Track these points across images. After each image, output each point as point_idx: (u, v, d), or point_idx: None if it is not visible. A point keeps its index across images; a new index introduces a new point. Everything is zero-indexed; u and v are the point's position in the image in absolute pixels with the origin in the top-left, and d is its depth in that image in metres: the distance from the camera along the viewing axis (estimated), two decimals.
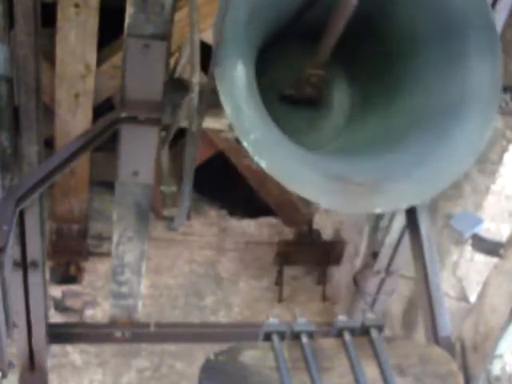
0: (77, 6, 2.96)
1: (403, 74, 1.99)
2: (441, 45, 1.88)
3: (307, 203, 4.04)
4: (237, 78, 1.63)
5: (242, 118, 1.61)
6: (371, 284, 2.84)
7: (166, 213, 2.19)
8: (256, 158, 1.60)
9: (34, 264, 2.22)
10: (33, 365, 2.49)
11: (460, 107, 1.86)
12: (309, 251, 3.92)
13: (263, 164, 1.60)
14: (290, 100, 2.06)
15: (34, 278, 2.25)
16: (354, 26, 1.77)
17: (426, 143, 1.87)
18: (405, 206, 1.88)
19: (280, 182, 1.63)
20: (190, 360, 3.34)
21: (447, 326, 2.20)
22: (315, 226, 4.10)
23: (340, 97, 2.15)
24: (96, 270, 3.78)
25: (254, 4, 1.68)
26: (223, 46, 1.62)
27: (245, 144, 1.60)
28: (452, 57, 1.86)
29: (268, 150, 1.63)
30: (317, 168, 1.75)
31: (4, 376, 2.09)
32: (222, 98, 1.60)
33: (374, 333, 1.74)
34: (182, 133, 1.98)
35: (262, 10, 1.74)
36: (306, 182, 1.67)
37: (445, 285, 2.60)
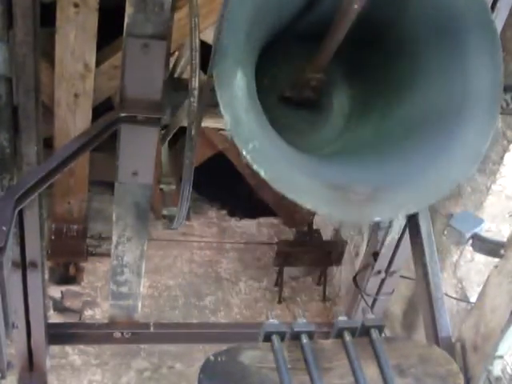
0: (76, 5, 2.96)
1: (403, 78, 1.97)
2: (441, 46, 1.86)
3: None
4: (236, 88, 1.61)
5: (242, 128, 1.61)
6: (371, 284, 2.84)
7: (165, 212, 2.19)
8: (255, 167, 1.61)
9: (33, 264, 2.21)
10: (32, 365, 2.49)
11: (461, 111, 1.83)
12: (309, 251, 3.91)
13: (262, 173, 1.61)
14: (289, 101, 2.05)
15: (33, 278, 2.24)
16: (355, 29, 1.76)
17: (426, 150, 1.85)
18: (403, 214, 1.87)
19: (278, 191, 1.63)
20: (190, 360, 3.34)
21: (447, 326, 2.20)
22: (315, 226, 4.10)
23: (340, 99, 2.14)
24: (95, 271, 3.78)
25: (254, 12, 1.67)
26: (222, 55, 1.61)
27: (244, 153, 1.60)
28: (452, 57, 1.84)
29: (266, 159, 1.63)
30: (316, 176, 1.74)
31: (3, 377, 2.08)
32: (222, 108, 1.59)
33: (374, 333, 1.74)
34: (182, 131, 1.97)
35: (264, 16, 1.72)
36: (304, 191, 1.67)
37: (445, 285, 2.60)
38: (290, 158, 1.75)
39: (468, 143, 1.82)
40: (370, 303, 2.88)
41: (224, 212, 4.43)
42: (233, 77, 1.62)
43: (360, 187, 1.75)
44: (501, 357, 2.03)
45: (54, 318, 3.43)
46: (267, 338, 1.68)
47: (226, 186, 4.30)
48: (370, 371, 1.68)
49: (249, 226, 4.36)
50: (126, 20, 1.76)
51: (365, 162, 1.93)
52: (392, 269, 2.78)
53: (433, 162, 1.82)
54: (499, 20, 2.13)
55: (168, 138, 2.26)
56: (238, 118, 1.61)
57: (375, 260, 2.75)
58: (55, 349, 3.07)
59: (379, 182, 1.80)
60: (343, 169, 1.91)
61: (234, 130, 1.61)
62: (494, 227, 2.80)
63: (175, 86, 2.11)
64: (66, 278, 3.71)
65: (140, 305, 2.47)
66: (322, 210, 1.71)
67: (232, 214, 4.41)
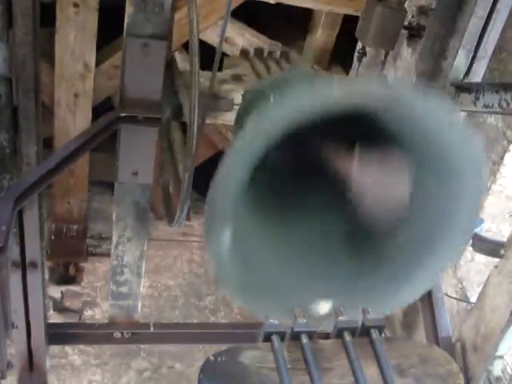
0: (76, 5, 2.96)
1: None
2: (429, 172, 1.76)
3: None
4: (223, 242, 1.62)
5: (224, 274, 1.66)
6: None
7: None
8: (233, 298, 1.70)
9: (33, 264, 2.21)
10: (32, 365, 2.48)
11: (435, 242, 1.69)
12: None
13: (238, 302, 1.72)
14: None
15: (33, 278, 2.24)
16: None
17: (380, 283, 1.75)
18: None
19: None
20: (190, 360, 3.34)
21: (447, 326, 2.20)
22: None
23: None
24: (95, 271, 3.78)
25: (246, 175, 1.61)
26: (213, 211, 1.57)
27: (219, 288, 1.66)
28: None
29: (244, 295, 1.70)
30: (284, 297, 1.74)
31: (3, 377, 2.09)
32: (209, 254, 1.64)
33: (374, 333, 1.73)
34: (183, 131, 1.97)
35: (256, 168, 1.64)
36: (270, 313, 1.71)
37: (445, 285, 2.60)
38: (263, 292, 1.75)
39: (424, 281, 1.73)
40: None
41: None
42: (221, 235, 1.61)
43: (321, 309, 1.74)
44: (501, 357, 2.03)
45: (54, 318, 3.43)
46: (267, 338, 1.68)
47: None
48: (370, 371, 1.67)
49: None
50: (126, 20, 1.76)
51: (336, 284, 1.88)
52: None
53: (395, 284, 1.72)
54: (499, 21, 2.12)
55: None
56: (222, 267, 1.65)
57: None
58: (55, 349, 3.07)
59: (342, 301, 1.75)
60: (311, 286, 1.86)
61: (217, 275, 1.65)
62: (494, 227, 2.80)
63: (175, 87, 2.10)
64: (65, 278, 3.71)
65: (140, 305, 2.47)
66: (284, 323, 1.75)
67: None
